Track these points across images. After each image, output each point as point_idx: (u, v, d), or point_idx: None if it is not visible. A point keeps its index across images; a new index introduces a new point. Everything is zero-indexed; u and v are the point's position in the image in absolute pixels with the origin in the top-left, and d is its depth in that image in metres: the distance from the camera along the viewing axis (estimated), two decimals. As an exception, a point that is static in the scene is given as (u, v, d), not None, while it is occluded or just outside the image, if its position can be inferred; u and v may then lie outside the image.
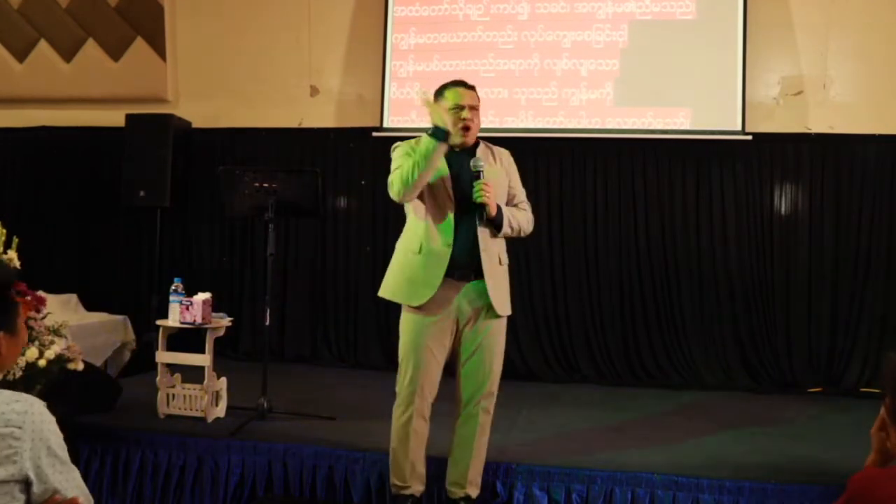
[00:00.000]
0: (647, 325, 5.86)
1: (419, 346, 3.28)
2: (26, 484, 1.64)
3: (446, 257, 3.23)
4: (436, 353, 3.29)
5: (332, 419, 4.29)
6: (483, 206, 3.21)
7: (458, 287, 3.28)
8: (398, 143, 3.39)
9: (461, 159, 3.30)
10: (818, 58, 5.75)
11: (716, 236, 5.84)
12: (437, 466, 3.47)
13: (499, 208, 3.27)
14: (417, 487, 3.42)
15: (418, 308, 3.26)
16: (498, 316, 3.35)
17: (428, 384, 3.29)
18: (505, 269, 3.39)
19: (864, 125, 5.65)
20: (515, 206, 3.42)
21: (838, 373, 5.59)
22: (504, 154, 3.47)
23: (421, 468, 3.41)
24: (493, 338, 3.35)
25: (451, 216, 3.25)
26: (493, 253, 3.30)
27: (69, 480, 1.68)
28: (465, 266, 3.26)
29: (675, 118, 5.78)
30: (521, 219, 3.38)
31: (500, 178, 3.37)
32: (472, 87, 3.40)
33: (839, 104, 5.73)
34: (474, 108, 3.34)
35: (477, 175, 3.23)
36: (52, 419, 1.69)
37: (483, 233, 3.26)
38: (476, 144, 3.40)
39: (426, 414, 3.34)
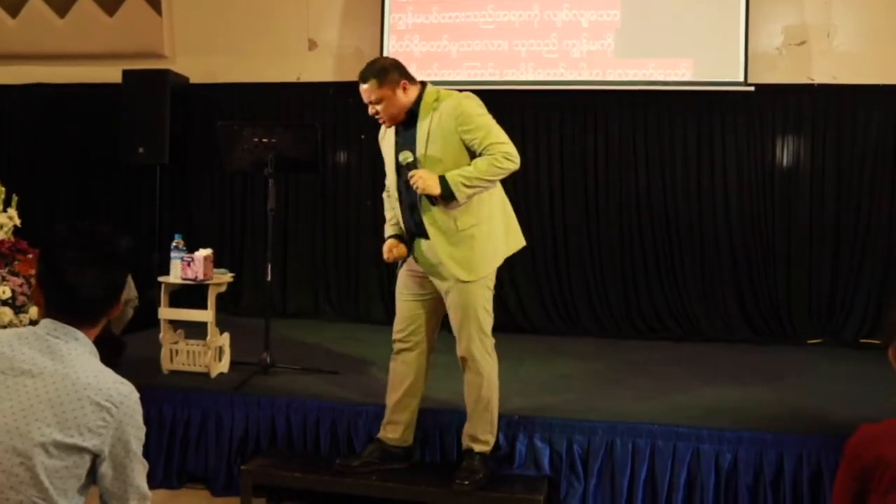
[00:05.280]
0: (647, 277, 5.88)
1: (396, 295, 3.50)
2: (96, 460, 1.69)
3: (401, 223, 3.42)
4: (408, 302, 3.43)
5: (334, 373, 4.32)
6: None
7: (418, 246, 3.37)
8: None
9: (409, 137, 3.31)
10: (822, 6, 5.67)
11: (717, 188, 5.82)
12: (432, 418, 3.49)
13: (444, 182, 3.17)
14: (387, 434, 3.50)
15: (401, 263, 3.46)
16: (465, 281, 3.28)
17: (403, 331, 3.43)
18: (466, 232, 3.26)
19: (868, 76, 5.59)
20: (481, 153, 3.24)
21: (838, 324, 5.61)
22: (452, 107, 3.24)
23: (395, 415, 3.48)
24: (458, 301, 3.29)
25: (396, 199, 3.40)
26: (443, 223, 3.25)
27: (134, 471, 1.74)
28: (414, 231, 3.36)
29: (676, 69, 5.72)
30: (483, 168, 3.19)
31: (446, 143, 3.23)
32: (365, 79, 3.26)
33: (843, 54, 5.66)
34: (375, 101, 3.25)
35: (407, 167, 3.25)
36: (141, 412, 1.77)
37: (427, 203, 3.27)
38: (416, 106, 3.29)
39: (409, 360, 3.43)
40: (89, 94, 6.51)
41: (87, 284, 1.76)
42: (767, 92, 5.69)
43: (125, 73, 6.11)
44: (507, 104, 5.90)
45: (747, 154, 5.79)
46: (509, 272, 5.93)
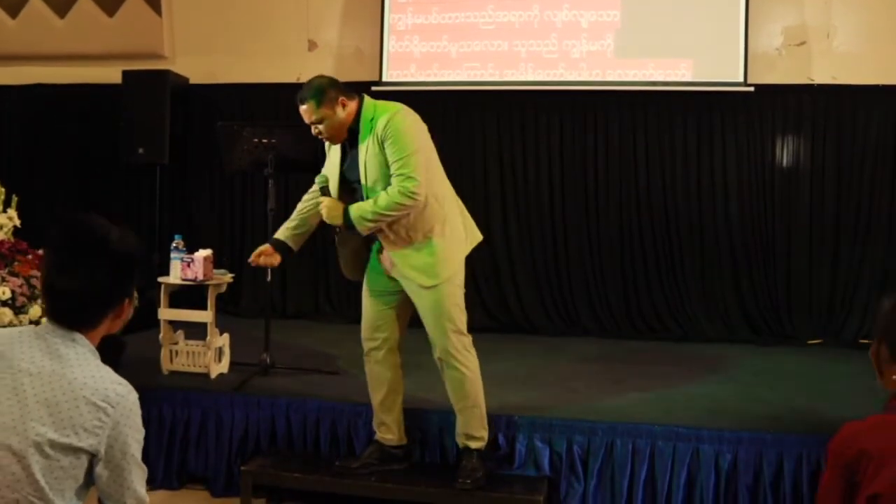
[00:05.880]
0: (647, 277, 5.88)
1: (363, 294, 3.50)
2: (93, 460, 1.67)
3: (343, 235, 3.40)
4: (373, 299, 3.44)
5: (334, 373, 4.32)
6: None
7: (378, 246, 3.39)
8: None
9: (354, 155, 3.31)
10: (822, 7, 5.67)
11: (717, 188, 5.82)
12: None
13: (346, 213, 3.22)
14: (383, 435, 3.52)
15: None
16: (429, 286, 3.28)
17: (370, 328, 3.44)
18: (421, 238, 3.25)
19: (868, 76, 5.59)
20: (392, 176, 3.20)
21: (838, 325, 5.61)
22: (382, 124, 3.18)
23: (383, 416, 3.49)
24: (427, 303, 3.29)
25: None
26: (394, 232, 3.26)
27: (132, 474, 1.70)
28: (365, 238, 3.37)
29: (676, 70, 5.72)
30: (382, 205, 3.14)
31: (380, 168, 3.20)
32: (303, 100, 3.27)
33: (843, 54, 5.66)
34: (316, 122, 3.26)
35: (321, 191, 3.35)
36: (140, 414, 1.73)
37: None
38: (356, 123, 3.27)
39: (380, 358, 3.44)
40: (89, 94, 6.51)
41: (73, 285, 1.70)
42: (767, 92, 5.68)
43: (125, 73, 6.11)
44: (507, 104, 5.94)
45: (747, 154, 5.79)
46: (510, 272, 5.94)
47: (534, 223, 6.00)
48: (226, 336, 4.34)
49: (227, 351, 4.34)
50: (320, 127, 3.26)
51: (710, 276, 5.81)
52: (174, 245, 4.22)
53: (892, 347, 1.81)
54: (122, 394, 1.69)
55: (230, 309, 6.00)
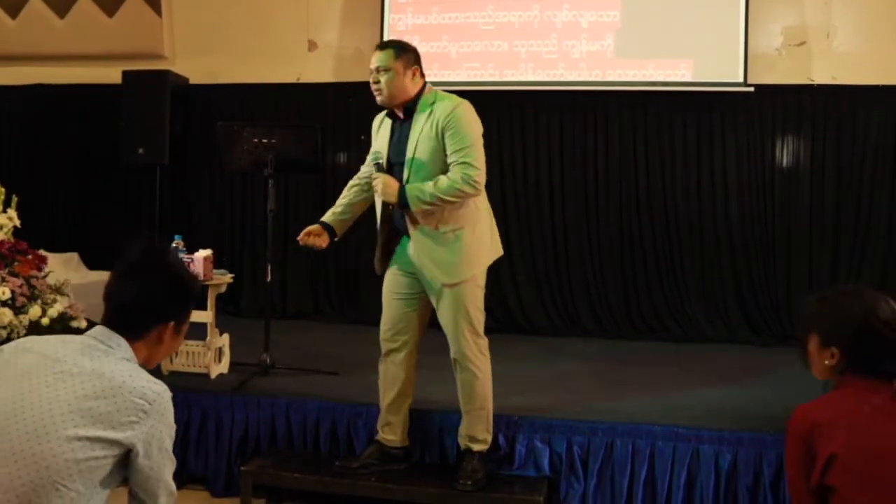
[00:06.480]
0: (647, 277, 5.88)
1: (384, 296, 3.46)
2: (126, 455, 1.81)
3: (387, 225, 3.37)
4: (395, 301, 3.41)
5: (334, 374, 4.32)
6: None
7: (405, 243, 3.34)
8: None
9: (405, 130, 3.27)
10: (822, 7, 5.67)
11: (717, 189, 5.83)
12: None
13: (402, 191, 3.17)
14: (386, 435, 3.50)
15: (385, 263, 3.45)
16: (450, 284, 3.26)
17: (390, 330, 3.42)
18: (450, 234, 3.22)
19: (868, 76, 5.59)
20: (450, 167, 3.17)
21: (838, 325, 5.60)
22: (445, 111, 3.18)
23: (390, 416, 3.47)
24: (447, 303, 3.27)
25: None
26: (420, 220, 3.23)
27: (165, 467, 1.86)
28: (403, 230, 3.32)
29: (676, 70, 5.72)
30: (442, 188, 3.12)
31: (433, 148, 3.19)
32: (384, 46, 3.27)
33: (842, 54, 5.66)
34: (383, 70, 3.22)
35: (376, 167, 3.27)
36: (173, 412, 1.89)
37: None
38: (415, 102, 3.27)
39: (398, 360, 3.42)
40: (89, 94, 6.52)
41: (128, 294, 1.93)
42: (767, 92, 5.69)
43: (125, 73, 6.12)
44: (507, 104, 5.94)
45: (747, 154, 5.79)
46: (510, 272, 5.94)
47: (534, 223, 6.00)
48: (226, 336, 4.34)
49: (227, 351, 4.34)
50: (383, 78, 3.22)
51: (710, 276, 5.82)
52: (174, 245, 4.22)
53: (822, 336, 2.10)
54: (158, 392, 1.84)
55: (230, 309, 6.00)
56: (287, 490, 3.63)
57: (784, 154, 5.78)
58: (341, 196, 3.57)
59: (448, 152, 3.16)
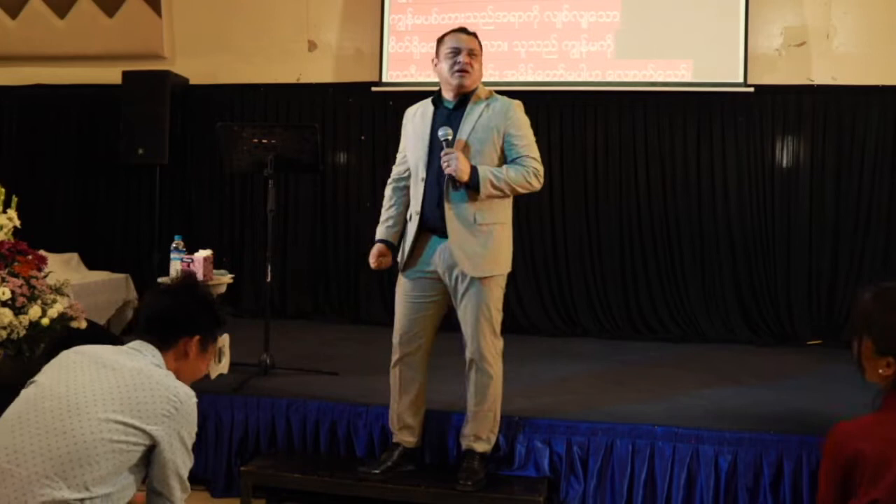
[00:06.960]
0: (647, 278, 5.88)
1: (399, 300, 3.44)
2: (151, 450, 2.02)
3: (416, 221, 3.35)
4: (414, 305, 3.39)
5: (334, 374, 4.32)
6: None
7: (433, 244, 3.33)
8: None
9: (453, 117, 3.29)
10: (822, 7, 5.68)
11: (717, 189, 5.83)
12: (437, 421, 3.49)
13: (475, 171, 3.18)
14: (405, 438, 3.49)
15: (404, 267, 3.41)
16: (477, 277, 3.28)
17: (407, 334, 3.40)
18: (484, 228, 3.27)
19: (868, 76, 5.60)
20: (515, 160, 3.28)
21: (837, 325, 5.61)
22: (505, 107, 3.29)
23: (409, 419, 3.47)
24: (471, 300, 3.28)
25: (421, 179, 3.32)
26: (462, 213, 3.24)
27: (184, 464, 2.09)
28: (434, 226, 3.31)
29: (676, 70, 5.73)
30: (512, 177, 3.22)
31: (488, 138, 3.25)
32: (472, 34, 3.35)
33: (842, 55, 5.67)
34: (473, 54, 3.28)
35: (446, 143, 3.22)
36: (196, 415, 2.15)
37: (452, 194, 3.24)
38: (468, 96, 3.31)
39: (414, 363, 3.42)
40: (89, 94, 6.52)
41: (154, 305, 2.24)
42: (767, 93, 5.69)
43: (125, 73, 6.12)
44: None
45: (747, 154, 5.79)
46: (509, 272, 5.92)
47: (534, 223, 6.00)
48: (226, 336, 4.32)
49: (227, 351, 4.33)
50: (476, 63, 3.28)
51: (710, 276, 5.82)
52: (174, 245, 4.22)
53: (876, 341, 1.82)
54: (189, 395, 2.11)
55: (230, 309, 6.00)
56: (287, 490, 3.63)
57: (784, 154, 5.78)
58: (386, 206, 3.56)
59: (512, 145, 3.27)
